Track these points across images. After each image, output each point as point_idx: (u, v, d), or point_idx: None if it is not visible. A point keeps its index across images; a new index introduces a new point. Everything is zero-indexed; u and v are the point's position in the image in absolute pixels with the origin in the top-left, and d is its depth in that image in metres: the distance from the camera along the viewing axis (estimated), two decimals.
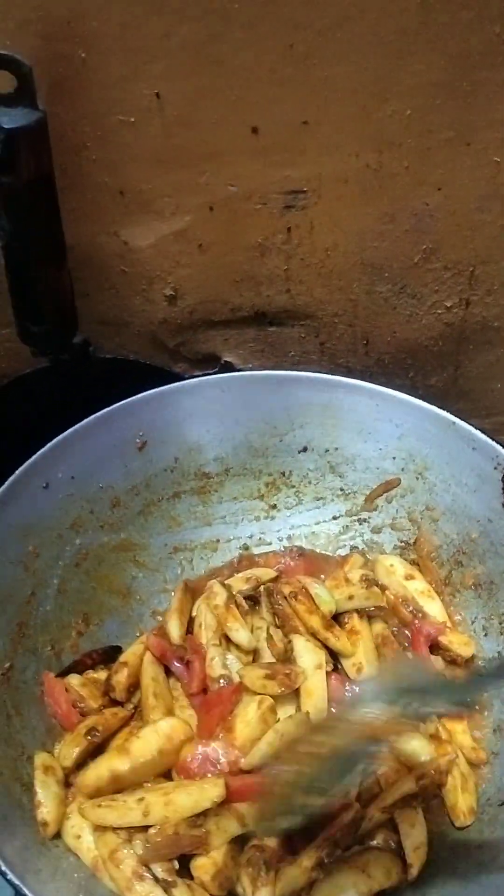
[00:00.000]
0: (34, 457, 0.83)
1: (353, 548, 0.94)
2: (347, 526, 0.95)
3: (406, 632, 0.85)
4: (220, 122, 0.84)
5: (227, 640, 0.81)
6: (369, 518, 0.94)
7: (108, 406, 0.88)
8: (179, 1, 0.76)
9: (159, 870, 0.65)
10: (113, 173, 0.88)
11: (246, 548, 0.95)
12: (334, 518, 0.96)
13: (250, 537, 0.95)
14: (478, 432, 0.86)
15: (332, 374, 0.93)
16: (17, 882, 0.58)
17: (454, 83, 0.80)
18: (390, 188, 0.87)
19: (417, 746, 0.73)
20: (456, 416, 0.87)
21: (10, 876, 0.58)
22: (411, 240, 0.91)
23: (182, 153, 0.86)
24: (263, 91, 0.81)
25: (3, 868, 0.58)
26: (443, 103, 0.82)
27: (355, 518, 0.95)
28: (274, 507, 0.96)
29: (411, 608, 0.85)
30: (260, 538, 0.96)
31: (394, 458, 0.92)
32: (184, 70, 0.81)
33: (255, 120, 0.84)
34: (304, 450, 0.95)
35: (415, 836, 0.68)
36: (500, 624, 0.82)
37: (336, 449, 0.94)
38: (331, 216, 0.90)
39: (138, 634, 0.86)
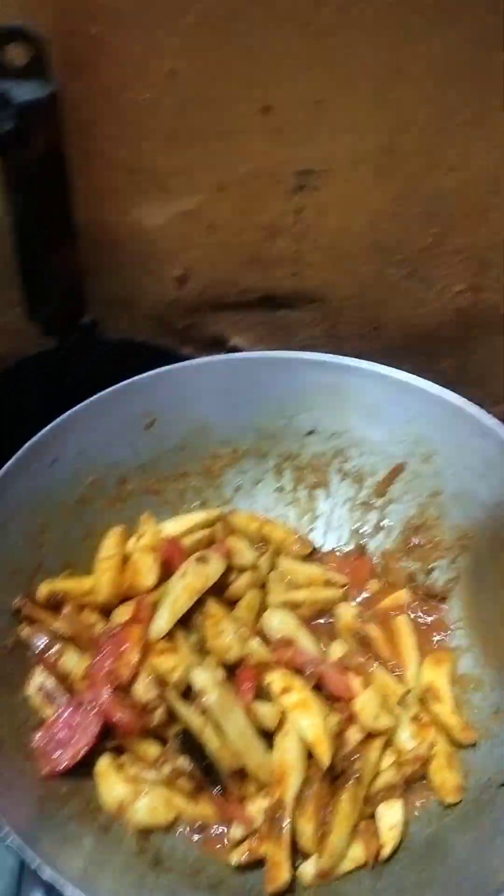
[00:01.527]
0: (43, 431, 0.83)
1: (358, 531, 0.94)
2: (353, 510, 0.95)
3: None
4: (233, 101, 0.83)
5: None
6: (375, 502, 0.94)
7: None
8: None
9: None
10: (125, 151, 0.88)
11: None
12: (339, 502, 0.96)
13: None
14: (486, 417, 0.85)
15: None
16: (24, 848, 0.58)
17: (470, 65, 0.80)
18: (403, 170, 0.87)
19: (403, 738, 0.74)
20: None
21: (17, 841, 0.58)
22: (423, 222, 0.91)
23: (194, 132, 0.86)
24: (278, 70, 0.81)
25: (10, 835, 0.58)
26: (458, 85, 0.82)
27: (362, 502, 0.95)
28: (280, 489, 0.96)
29: None
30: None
31: (401, 441, 0.91)
32: (198, 47, 0.80)
33: (268, 98, 0.83)
34: (312, 432, 0.95)
35: (390, 817, 0.69)
36: None
37: (343, 432, 0.94)
38: (342, 197, 0.90)
39: None
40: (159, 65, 0.82)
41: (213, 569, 0.80)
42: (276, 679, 0.74)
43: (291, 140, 0.86)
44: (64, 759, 0.69)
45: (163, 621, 0.76)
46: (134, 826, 0.68)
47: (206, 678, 0.70)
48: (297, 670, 0.76)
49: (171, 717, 0.71)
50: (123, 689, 0.73)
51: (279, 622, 0.81)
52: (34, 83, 0.75)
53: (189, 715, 0.69)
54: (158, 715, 0.71)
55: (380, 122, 0.85)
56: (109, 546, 0.84)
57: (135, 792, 0.69)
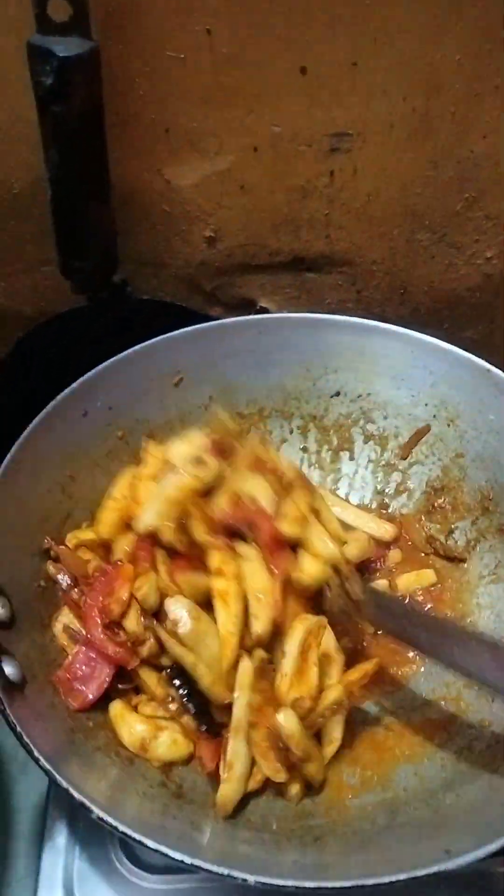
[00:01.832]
0: (74, 384, 0.85)
1: (381, 492, 0.96)
2: (375, 472, 0.97)
3: None
4: (269, 61, 0.84)
5: None
6: (398, 464, 0.96)
7: None
8: None
9: None
10: (160, 110, 0.88)
11: None
12: (363, 463, 0.97)
13: None
14: None
15: None
16: (53, 773, 0.60)
17: None
18: (436, 134, 0.88)
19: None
20: None
21: (46, 766, 0.61)
22: (454, 188, 0.91)
23: (230, 92, 0.87)
24: (315, 31, 0.82)
25: (41, 760, 0.61)
26: (493, 50, 0.82)
27: (385, 464, 0.96)
28: (304, 449, 0.98)
29: None
30: None
31: (426, 404, 0.93)
32: (236, 7, 0.81)
33: (304, 60, 0.84)
34: (337, 394, 0.96)
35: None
36: None
37: (368, 394, 0.95)
38: (375, 161, 0.90)
39: None
40: (196, 24, 0.82)
41: (210, 470, 0.80)
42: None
43: (326, 102, 0.87)
44: (91, 691, 0.72)
45: (149, 515, 0.77)
46: (157, 760, 0.71)
47: (179, 607, 0.72)
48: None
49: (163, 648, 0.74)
50: (117, 624, 0.75)
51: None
52: (75, 39, 0.76)
53: (175, 647, 0.72)
54: (149, 647, 0.73)
55: (414, 85, 0.85)
56: (121, 486, 0.85)
57: (154, 728, 0.72)
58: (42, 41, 0.76)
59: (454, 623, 0.82)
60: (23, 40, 0.78)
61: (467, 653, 0.66)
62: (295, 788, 0.70)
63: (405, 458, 0.95)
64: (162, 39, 0.83)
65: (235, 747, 0.69)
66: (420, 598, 0.88)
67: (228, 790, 0.68)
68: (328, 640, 0.75)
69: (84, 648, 0.75)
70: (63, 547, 0.80)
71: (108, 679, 0.74)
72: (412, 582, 0.89)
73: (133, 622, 0.75)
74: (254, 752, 0.69)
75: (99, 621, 0.75)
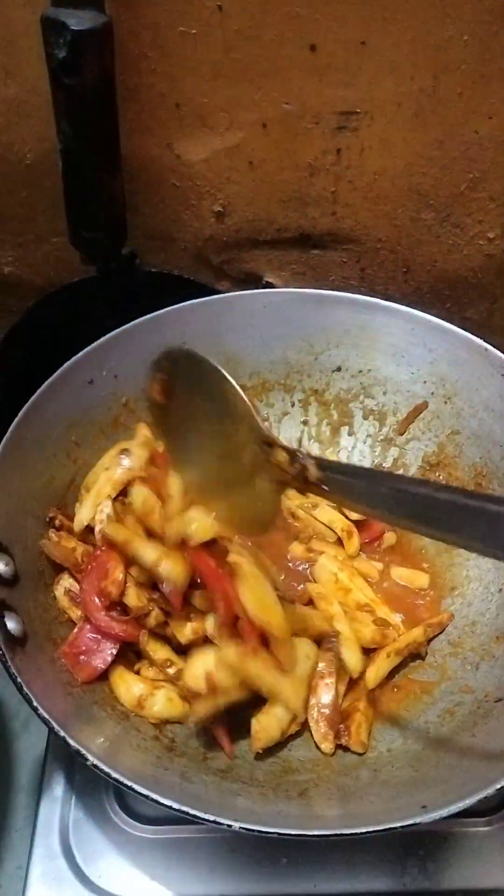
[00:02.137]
0: (81, 353, 0.87)
1: (378, 467, 0.98)
2: (374, 446, 0.99)
3: None
4: (279, 38, 0.85)
5: None
6: (395, 438, 0.98)
7: None
8: None
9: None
10: (171, 85, 0.90)
11: None
12: (361, 437, 0.99)
13: None
14: None
15: None
16: (51, 723, 0.63)
17: None
18: (443, 114, 0.89)
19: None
20: None
21: (46, 716, 0.64)
22: (459, 168, 0.93)
23: (240, 68, 0.88)
24: (325, 8, 0.83)
25: (40, 710, 0.64)
26: (501, 31, 0.83)
27: (382, 439, 0.98)
28: (305, 422, 1.00)
29: None
30: None
31: (424, 381, 0.95)
32: None
33: (314, 37, 0.85)
34: (338, 369, 0.98)
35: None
36: None
37: (369, 370, 0.97)
38: (382, 139, 0.91)
39: None
40: (207, 0, 0.84)
41: (135, 460, 0.85)
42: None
43: (335, 80, 0.88)
44: (98, 663, 0.75)
45: (83, 514, 0.82)
46: (153, 718, 0.74)
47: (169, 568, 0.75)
48: None
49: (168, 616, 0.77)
50: (118, 603, 0.77)
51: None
52: (89, 12, 0.77)
53: None
54: (154, 616, 0.76)
55: (421, 65, 0.86)
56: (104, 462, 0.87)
57: (151, 687, 0.75)
58: (56, 14, 0.77)
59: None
60: (37, 13, 0.79)
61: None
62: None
63: (402, 434, 0.97)
64: (174, 15, 0.85)
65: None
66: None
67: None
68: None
69: (88, 626, 0.77)
70: (47, 540, 0.81)
71: (113, 652, 0.76)
72: (405, 578, 0.91)
73: (133, 598, 0.77)
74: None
75: (100, 604, 0.77)
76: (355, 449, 0.99)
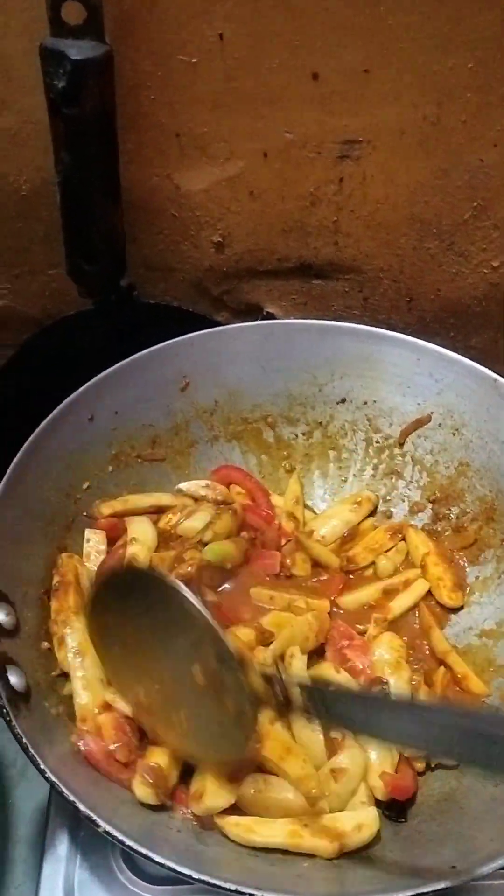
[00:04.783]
0: (81, 388, 0.85)
1: (386, 500, 0.96)
2: (381, 478, 0.97)
3: None
4: (280, 67, 0.84)
5: None
6: (402, 471, 0.96)
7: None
8: None
9: None
10: (170, 115, 0.88)
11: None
12: (368, 470, 0.97)
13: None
14: None
15: None
16: (58, 784, 0.60)
17: None
18: (446, 142, 0.88)
19: None
20: None
21: (52, 777, 0.61)
22: (463, 196, 0.91)
23: (241, 97, 0.86)
24: (327, 37, 0.82)
25: (46, 771, 0.61)
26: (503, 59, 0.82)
27: (389, 471, 0.96)
28: (308, 455, 0.98)
29: None
30: None
31: (431, 413, 0.93)
32: (248, 12, 0.81)
33: (316, 66, 0.84)
34: (343, 401, 0.96)
35: None
36: None
37: (374, 402, 0.95)
38: (384, 168, 0.90)
39: None
40: (208, 29, 0.82)
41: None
42: None
43: (337, 109, 0.86)
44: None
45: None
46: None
47: None
48: None
49: None
50: None
51: None
52: (89, 42, 0.76)
53: None
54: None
55: (425, 93, 0.85)
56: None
57: None
58: (55, 44, 0.75)
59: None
60: (35, 43, 0.77)
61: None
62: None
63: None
64: (174, 44, 0.83)
65: None
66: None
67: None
68: None
69: None
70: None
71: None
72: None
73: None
74: None
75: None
76: (361, 481, 0.97)
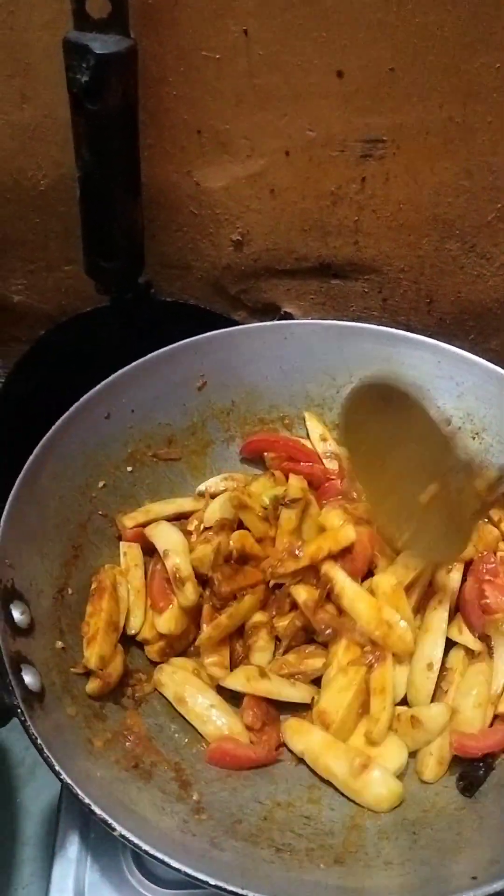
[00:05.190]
0: (99, 386, 0.84)
1: None
2: None
3: None
4: (305, 64, 0.83)
5: None
6: None
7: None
8: None
9: None
10: (192, 111, 0.87)
11: None
12: None
13: None
14: None
15: None
16: (73, 786, 0.59)
17: None
18: (471, 143, 0.87)
19: None
20: None
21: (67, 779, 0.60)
22: (487, 197, 0.90)
23: (264, 94, 0.86)
24: (353, 34, 0.81)
25: (61, 773, 0.60)
26: None
27: None
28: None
29: None
30: None
31: (451, 416, 0.92)
32: (274, 8, 0.80)
33: (341, 64, 0.83)
34: None
35: None
36: None
37: None
38: (408, 168, 0.89)
39: None
40: (233, 24, 0.81)
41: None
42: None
43: (361, 107, 0.85)
44: None
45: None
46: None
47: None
48: None
49: None
50: None
51: None
52: (114, 37, 0.75)
53: None
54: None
55: (451, 93, 0.84)
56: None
57: None
58: (79, 38, 0.75)
59: None
60: (58, 36, 0.77)
61: None
62: None
63: None
64: (198, 39, 0.82)
65: None
66: None
67: None
68: None
69: None
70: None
71: None
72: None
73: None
74: None
75: None
76: None
